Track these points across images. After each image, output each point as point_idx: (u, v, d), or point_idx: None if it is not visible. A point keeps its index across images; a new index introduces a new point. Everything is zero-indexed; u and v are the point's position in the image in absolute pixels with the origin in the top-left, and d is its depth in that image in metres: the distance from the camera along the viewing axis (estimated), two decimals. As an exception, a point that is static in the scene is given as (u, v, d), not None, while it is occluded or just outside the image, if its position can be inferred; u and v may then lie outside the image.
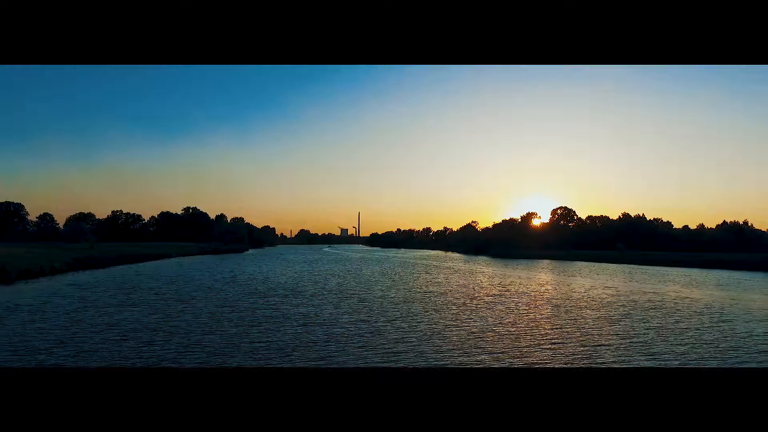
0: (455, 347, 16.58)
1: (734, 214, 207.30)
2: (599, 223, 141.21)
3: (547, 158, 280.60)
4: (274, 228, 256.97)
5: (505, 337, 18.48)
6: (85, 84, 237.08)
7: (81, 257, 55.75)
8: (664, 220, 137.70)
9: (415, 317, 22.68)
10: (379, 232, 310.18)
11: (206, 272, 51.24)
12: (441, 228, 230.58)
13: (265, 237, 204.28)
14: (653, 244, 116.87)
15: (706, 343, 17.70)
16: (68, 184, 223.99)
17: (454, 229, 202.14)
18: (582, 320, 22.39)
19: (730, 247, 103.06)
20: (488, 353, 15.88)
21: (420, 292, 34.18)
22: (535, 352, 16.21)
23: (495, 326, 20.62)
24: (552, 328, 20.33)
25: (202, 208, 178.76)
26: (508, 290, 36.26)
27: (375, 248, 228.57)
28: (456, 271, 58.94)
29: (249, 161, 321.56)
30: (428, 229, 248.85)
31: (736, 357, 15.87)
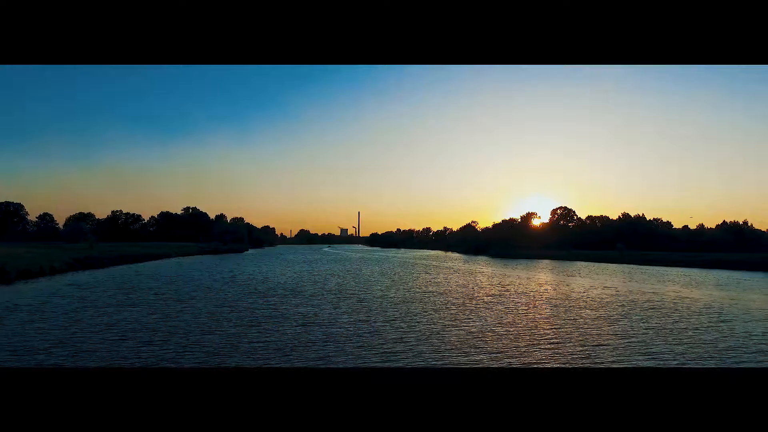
0: (454, 347, 16.58)
1: (734, 214, 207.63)
2: (599, 223, 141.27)
3: (547, 158, 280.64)
4: (273, 228, 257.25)
5: (504, 337, 18.49)
6: (85, 84, 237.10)
7: (81, 257, 55.72)
8: (664, 220, 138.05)
9: (415, 317, 22.68)
10: (379, 232, 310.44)
11: (206, 272, 51.22)
12: (441, 228, 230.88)
13: (265, 237, 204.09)
14: (653, 244, 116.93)
15: (705, 343, 17.71)
16: (68, 184, 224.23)
17: (454, 229, 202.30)
18: (581, 320, 22.40)
19: (730, 247, 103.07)
20: (487, 353, 15.88)
21: (419, 292, 34.18)
22: (535, 352, 16.22)
23: (494, 326, 20.62)
24: (551, 328, 20.34)
25: (202, 208, 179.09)
26: (507, 290, 36.26)
27: (375, 248, 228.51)
28: (455, 271, 58.93)
29: (249, 161, 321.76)
30: (428, 229, 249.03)
31: (735, 357, 15.89)
